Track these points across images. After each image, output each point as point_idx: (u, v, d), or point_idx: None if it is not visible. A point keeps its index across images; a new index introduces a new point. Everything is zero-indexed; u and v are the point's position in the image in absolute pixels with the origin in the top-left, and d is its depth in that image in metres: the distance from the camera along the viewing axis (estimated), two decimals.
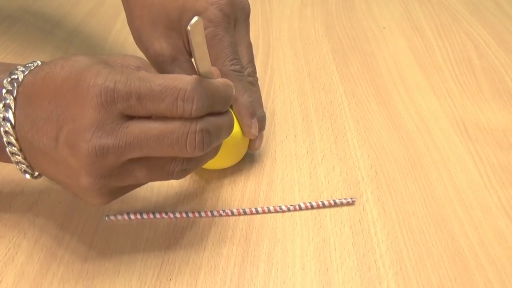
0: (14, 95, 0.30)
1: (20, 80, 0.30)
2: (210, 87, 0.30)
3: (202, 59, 0.30)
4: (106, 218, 0.38)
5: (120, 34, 0.64)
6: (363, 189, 0.41)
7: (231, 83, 0.33)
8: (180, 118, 0.29)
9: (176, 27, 0.40)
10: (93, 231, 0.38)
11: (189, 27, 0.26)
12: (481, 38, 0.63)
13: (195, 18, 0.26)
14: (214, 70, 0.33)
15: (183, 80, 0.29)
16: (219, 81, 0.32)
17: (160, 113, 0.29)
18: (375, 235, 0.37)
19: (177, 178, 0.32)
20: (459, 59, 0.59)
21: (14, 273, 0.34)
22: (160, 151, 0.29)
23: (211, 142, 0.30)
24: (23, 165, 0.32)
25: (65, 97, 0.29)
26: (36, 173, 0.33)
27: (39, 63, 0.32)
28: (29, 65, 0.31)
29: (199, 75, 0.30)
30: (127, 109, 0.28)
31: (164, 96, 0.28)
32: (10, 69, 0.31)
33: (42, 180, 0.42)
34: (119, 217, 0.38)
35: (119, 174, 0.30)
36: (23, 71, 0.31)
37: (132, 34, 0.43)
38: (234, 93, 0.33)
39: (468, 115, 0.49)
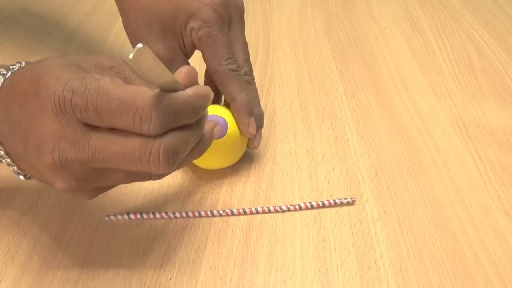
0: None
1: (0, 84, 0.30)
2: (172, 102, 0.28)
3: (159, 78, 0.27)
4: (106, 218, 0.38)
5: (120, 34, 0.64)
6: (363, 189, 0.41)
7: (204, 92, 0.30)
8: (140, 135, 0.27)
9: (171, 29, 0.40)
10: (93, 231, 0.38)
11: (131, 57, 0.24)
12: (481, 38, 0.63)
13: (139, 45, 0.24)
14: (185, 72, 0.30)
15: (142, 97, 0.27)
16: (187, 93, 0.29)
17: (119, 127, 0.27)
18: (375, 235, 0.37)
19: (155, 179, 0.31)
20: (459, 59, 0.59)
21: (14, 273, 0.34)
22: (123, 167, 0.28)
23: (178, 158, 0.28)
24: (14, 167, 0.32)
25: (29, 104, 0.28)
26: (29, 175, 0.33)
27: (23, 63, 0.31)
28: (13, 66, 0.31)
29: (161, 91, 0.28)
30: (86, 119, 0.27)
31: (121, 113, 0.27)
32: None
33: None
34: (119, 217, 0.38)
35: (95, 178, 0.29)
36: (4, 75, 0.30)
37: (129, 38, 0.43)
38: (206, 103, 0.31)
39: (468, 115, 0.49)
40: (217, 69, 0.39)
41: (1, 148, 0.31)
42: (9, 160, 0.31)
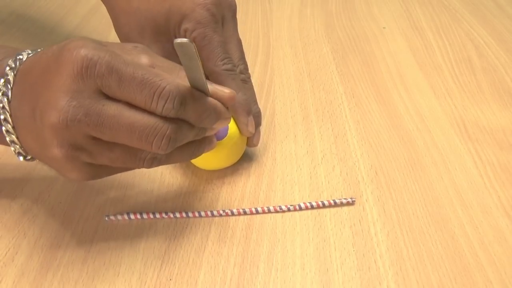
0: (15, 72, 0.31)
1: (23, 60, 0.31)
2: (191, 95, 0.30)
3: (191, 72, 0.30)
4: (106, 218, 0.38)
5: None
6: (363, 189, 0.41)
7: (221, 111, 0.33)
8: (154, 114, 0.29)
9: (164, 31, 0.40)
10: (93, 231, 0.38)
11: (175, 42, 0.26)
12: (481, 38, 0.63)
13: (185, 40, 0.26)
14: (229, 95, 0.33)
15: (164, 79, 0.29)
16: (209, 100, 0.32)
17: (135, 102, 0.29)
18: (375, 235, 0.37)
19: (147, 166, 0.32)
20: (459, 59, 0.59)
21: (14, 273, 0.34)
22: (128, 140, 0.30)
23: (174, 146, 0.31)
24: (16, 146, 0.32)
25: (50, 68, 0.29)
26: (29, 156, 0.33)
27: None
28: (38, 50, 0.32)
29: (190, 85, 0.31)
30: (105, 87, 0.29)
31: (143, 87, 0.29)
32: (18, 52, 0.32)
33: (42, 180, 0.42)
34: (119, 217, 0.38)
35: (91, 151, 0.30)
36: (28, 54, 0.32)
37: (121, 41, 0.43)
38: (215, 119, 0.33)
39: (468, 115, 0.49)
40: (213, 69, 0.39)
41: (10, 121, 0.31)
42: (14, 136, 0.32)
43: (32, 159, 0.34)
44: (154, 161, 0.32)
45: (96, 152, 0.30)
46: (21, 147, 0.32)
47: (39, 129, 0.29)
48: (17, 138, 0.32)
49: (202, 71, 0.30)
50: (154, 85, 0.29)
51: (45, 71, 0.29)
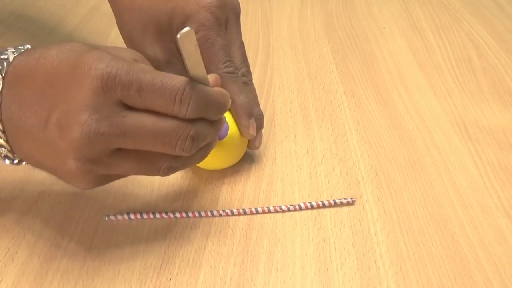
0: (3, 74, 0.30)
1: (10, 60, 0.30)
2: (205, 92, 0.31)
3: (194, 67, 0.30)
4: (106, 218, 0.38)
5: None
6: (363, 189, 0.41)
7: (226, 92, 0.33)
8: (176, 117, 0.30)
9: (167, 31, 0.40)
10: (93, 231, 0.38)
11: (178, 36, 0.26)
12: (481, 38, 0.63)
13: (187, 28, 0.26)
14: (215, 78, 0.34)
15: (182, 81, 0.29)
16: (215, 89, 0.32)
17: (156, 108, 0.29)
18: (375, 235, 0.37)
19: (163, 175, 0.32)
20: (459, 59, 0.59)
21: (14, 273, 0.34)
22: (152, 146, 0.30)
23: (198, 147, 0.31)
24: (4, 149, 0.32)
25: (62, 78, 0.28)
26: (17, 160, 0.33)
27: (29, 46, 0.32)
28: (20, 47, 0.31)
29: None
30: (125, 98, 0.28)
31: (163, 93, 0.29)
32: (1, 50, 0.31)
33: (42, 180, 0.42)
34: (119, 217, 0.38)
35: (108, 163, 0.30)
36: (13, 52, 0.31)
37: (123, 38, 0.43)
38: (229, 103, 0.34)
39: (468, 115, 0.49)
40: (215, 72, 0.39)
41: (0, 125, 0.30)
42: (2, 140, 0.31)
43: (20, 162, 0.33)
44: (170, 169, 0.32)
45: (113, 164, 0.30)
46: (9, 150, 0.32)
47: (51, 140, 0.29)
48: (6, 142, 0.31)
49: (202, 62, 0.30)
50: (174, 89, 0.29)
51: (55, 80, 0.29)
